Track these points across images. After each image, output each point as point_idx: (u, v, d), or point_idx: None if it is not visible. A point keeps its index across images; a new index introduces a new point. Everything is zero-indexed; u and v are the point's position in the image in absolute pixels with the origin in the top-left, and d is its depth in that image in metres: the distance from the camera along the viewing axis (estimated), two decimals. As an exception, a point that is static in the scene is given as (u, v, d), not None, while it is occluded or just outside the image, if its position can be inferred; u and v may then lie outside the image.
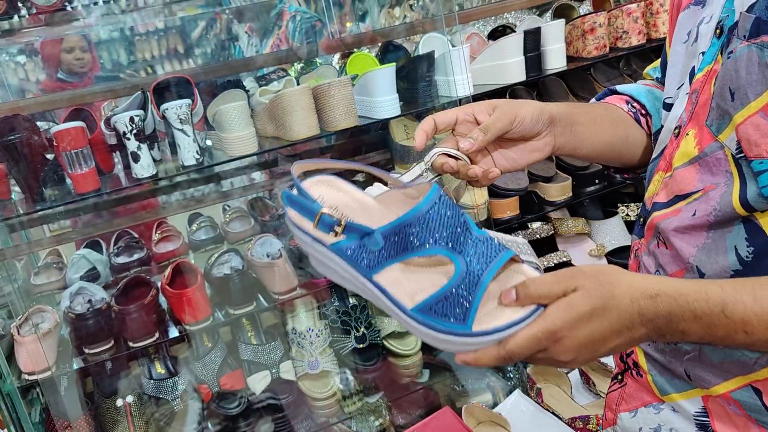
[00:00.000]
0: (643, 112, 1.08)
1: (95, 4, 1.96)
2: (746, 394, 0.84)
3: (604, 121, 1.03)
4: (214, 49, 4.96)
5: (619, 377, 1.06)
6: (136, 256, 2.12)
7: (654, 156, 0.98)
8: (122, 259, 2.12)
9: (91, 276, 2.05)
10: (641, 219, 0.97)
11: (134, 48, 4.99)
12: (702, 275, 0.83)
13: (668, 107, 0.98)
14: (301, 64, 2.43)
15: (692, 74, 0.89)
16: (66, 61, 3.00)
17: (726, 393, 0.86)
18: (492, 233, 0.79)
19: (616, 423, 1.05)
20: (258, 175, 2.81)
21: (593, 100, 1.14)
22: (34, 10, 1.86)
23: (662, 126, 0.99)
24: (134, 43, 4.97)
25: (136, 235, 2.28)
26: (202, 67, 2.77)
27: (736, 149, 0.77)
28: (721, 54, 0.81)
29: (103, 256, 2.20)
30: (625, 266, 2.20)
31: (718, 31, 0.83)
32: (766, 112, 0.74)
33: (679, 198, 0.87)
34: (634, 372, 1.02)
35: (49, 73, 3.20)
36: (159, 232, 2.29)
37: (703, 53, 0.87)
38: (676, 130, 0.91)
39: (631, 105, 1.08)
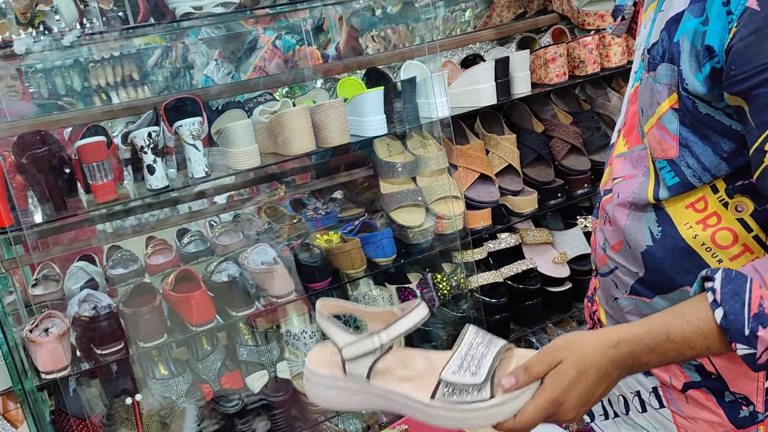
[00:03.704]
0: None
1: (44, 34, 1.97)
2: None
3: None
4: (169, 77, 5.06)
5: None
6: (131, 268, 2.24)
7: (607, 154, 1.25)
8: (117, 271, 2.24)
9: (91, 286, 2.15)
10: (597, 204, 1.24)
11: (88, 74, 5.05)
12: (630, 246, 1.09)
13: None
14: (287, 88, 2.61)
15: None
16: None
17: None
18: None
19: None
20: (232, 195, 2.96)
21: None
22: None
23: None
24: (88, 69, 5.03)
25: (128, 249, 2.39)
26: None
27: (649, 151, 1.04)
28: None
29: (98, 268, 2.31)
30: (587, 272, 2.48)
31: (643, 56, 1.09)
32: (657, 125, 1.00)
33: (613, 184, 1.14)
34: (598, 326, 1.27)
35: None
36: (151, 245, 2.40)
37: (635, 72, 1.14)
38: (618, 133, 1.18)
39: None
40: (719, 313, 0.85)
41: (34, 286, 2.20)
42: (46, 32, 1.87)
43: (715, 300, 0.86)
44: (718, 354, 0.91)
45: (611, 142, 1.22)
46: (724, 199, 0.97)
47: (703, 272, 0.90)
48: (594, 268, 1.26)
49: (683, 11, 0.95)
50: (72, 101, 4.82)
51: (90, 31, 1.88)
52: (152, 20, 1.94)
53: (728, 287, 0.86)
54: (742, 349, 0.84)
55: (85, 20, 1.92)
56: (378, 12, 4.23)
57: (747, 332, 0.83)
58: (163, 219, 2.63)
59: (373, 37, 4.56)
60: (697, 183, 0.97)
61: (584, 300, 1.36)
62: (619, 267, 1.14)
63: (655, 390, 1.15)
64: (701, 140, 0.95)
